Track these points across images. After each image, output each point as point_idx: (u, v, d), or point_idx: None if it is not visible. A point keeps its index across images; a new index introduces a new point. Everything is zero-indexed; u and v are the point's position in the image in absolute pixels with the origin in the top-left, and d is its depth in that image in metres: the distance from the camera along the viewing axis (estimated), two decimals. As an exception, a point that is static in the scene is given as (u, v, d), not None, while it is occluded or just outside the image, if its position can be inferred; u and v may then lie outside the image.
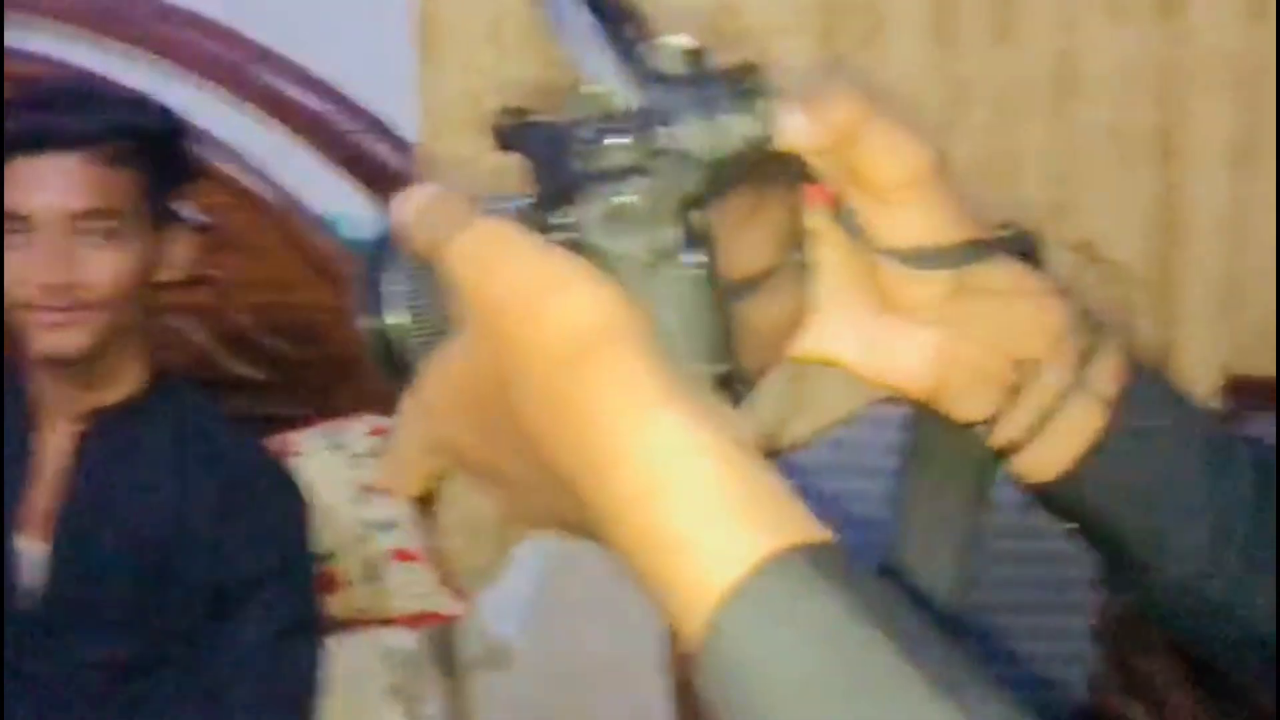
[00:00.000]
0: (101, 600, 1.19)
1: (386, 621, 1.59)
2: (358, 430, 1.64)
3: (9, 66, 1.62)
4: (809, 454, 0.40)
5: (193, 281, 1.38)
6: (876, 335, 0.40)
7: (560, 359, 0.31)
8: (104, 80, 1.55)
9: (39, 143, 1.14)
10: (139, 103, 1.23)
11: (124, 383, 1.22)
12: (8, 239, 1.16)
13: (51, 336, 1.15)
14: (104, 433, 1.21)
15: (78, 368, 1.19)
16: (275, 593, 1.20)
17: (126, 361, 1.22)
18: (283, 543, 1.24)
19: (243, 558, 1.20)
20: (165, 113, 1.24)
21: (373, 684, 1.52)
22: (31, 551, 1.20)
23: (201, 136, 1.51)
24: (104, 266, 1.15)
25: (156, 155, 1.19)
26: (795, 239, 0.38)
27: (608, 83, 0.35)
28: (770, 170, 0.37)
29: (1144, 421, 0.40)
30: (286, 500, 1.26)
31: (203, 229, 1.33)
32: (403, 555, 1.61)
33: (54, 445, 1.22)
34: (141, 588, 1.19)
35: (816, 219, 0.39)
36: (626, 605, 1.15)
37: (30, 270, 1.15)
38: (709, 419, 0.31)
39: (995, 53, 1.63)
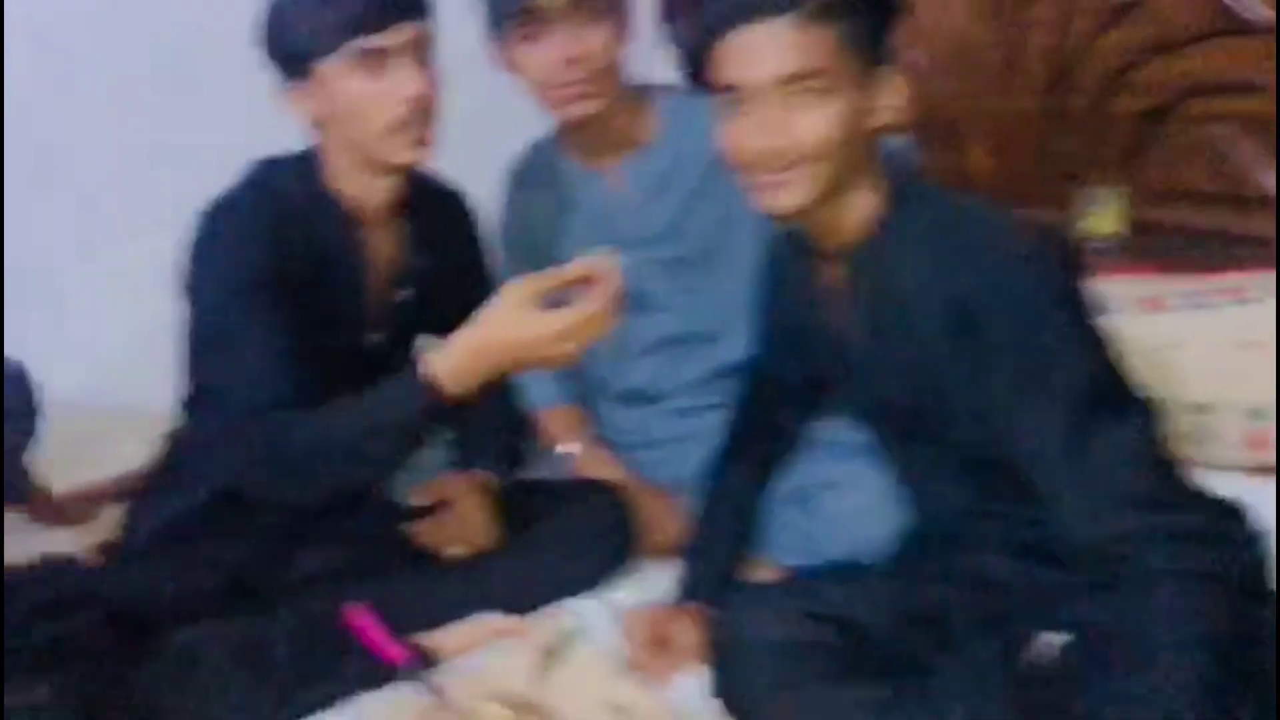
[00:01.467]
0: None
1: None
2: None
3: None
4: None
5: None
6: None
7: None
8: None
9: (747, 14, 1.18)
10: None
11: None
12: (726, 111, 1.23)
13: (770, 195, 1.22)
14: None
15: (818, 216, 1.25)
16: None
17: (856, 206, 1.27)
18: None
19: None
20: None
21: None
22: None
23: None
24: (815, 125, 1.19)
25: (858, 6, 1.20)
26: None
27: None
28: None
29: None
30: None
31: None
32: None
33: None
34: None
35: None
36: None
37: (747, 137, 1.21)
38: None
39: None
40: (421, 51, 1.47)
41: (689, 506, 1.72)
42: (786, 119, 1.18)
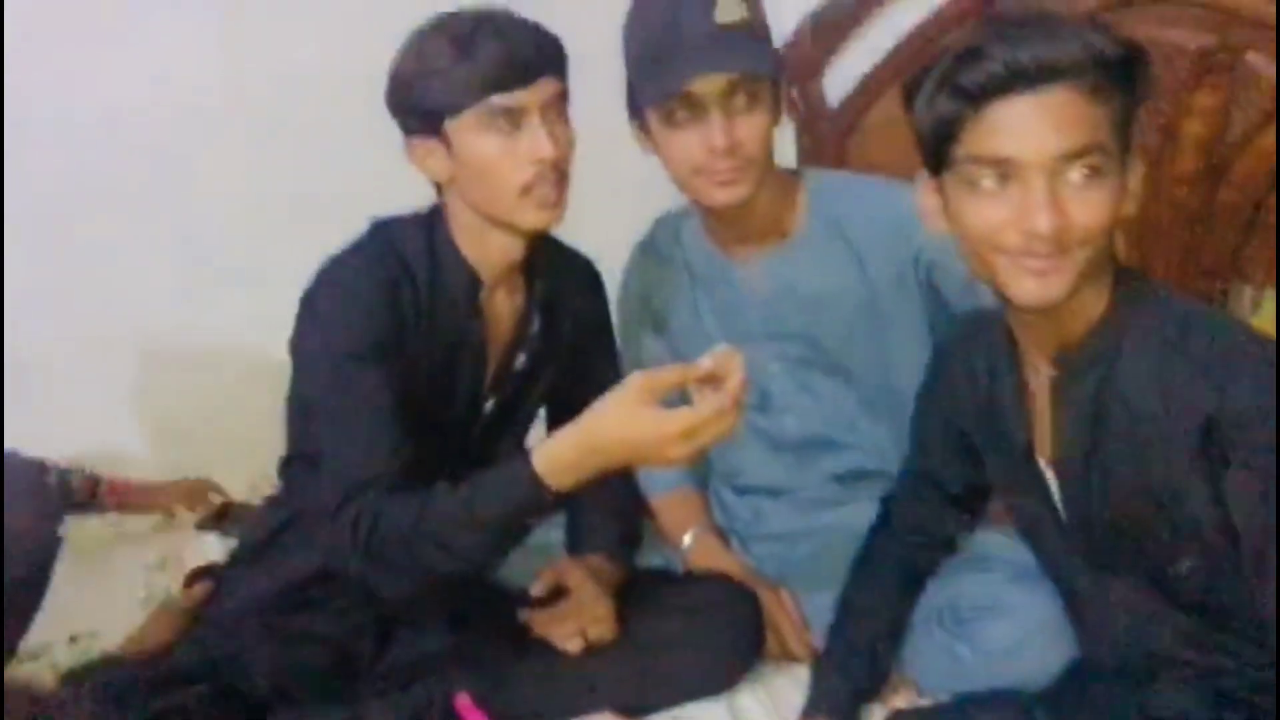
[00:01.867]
0: None
1: None
2: None
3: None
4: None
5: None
6: None
7: None
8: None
9: (1029, 80, 1.06)
10: (1101, 27, 1.12)
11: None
12: (984, 186, 1.09)
13: (1034, 283, 1.10)
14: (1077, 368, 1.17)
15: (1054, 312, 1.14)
16: None
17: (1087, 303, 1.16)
18: None
19: None
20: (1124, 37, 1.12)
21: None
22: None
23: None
24: (1089, 207, 1.07)
25: (1127, 81, 1.09)
26: None
27: None
28: None
29: None
30: None
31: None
32: None
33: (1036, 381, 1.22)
34: None
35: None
36: None
37: (1016, 217, 1.08)
38: None
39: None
40: (556, 110, 1.41)
41: (800, 604, 1.64)
42: (1064, 199, 1.06)
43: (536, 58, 1.38)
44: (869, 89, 2.42)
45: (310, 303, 1.43)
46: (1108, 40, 1.07)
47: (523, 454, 1.31)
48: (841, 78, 2.46)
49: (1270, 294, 2.03)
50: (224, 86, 2.18)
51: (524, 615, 1.55)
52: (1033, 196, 1.05)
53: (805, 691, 1.46)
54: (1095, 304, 1.14)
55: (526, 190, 1.39)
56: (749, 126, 1.50)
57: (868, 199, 1.64)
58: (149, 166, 2.16)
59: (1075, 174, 1.06)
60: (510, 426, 1.62)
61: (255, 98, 2.19)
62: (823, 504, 1.74)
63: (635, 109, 1.57)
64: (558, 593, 1.57)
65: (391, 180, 1.48)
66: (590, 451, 1.28)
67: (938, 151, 1.11)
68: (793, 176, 1.66)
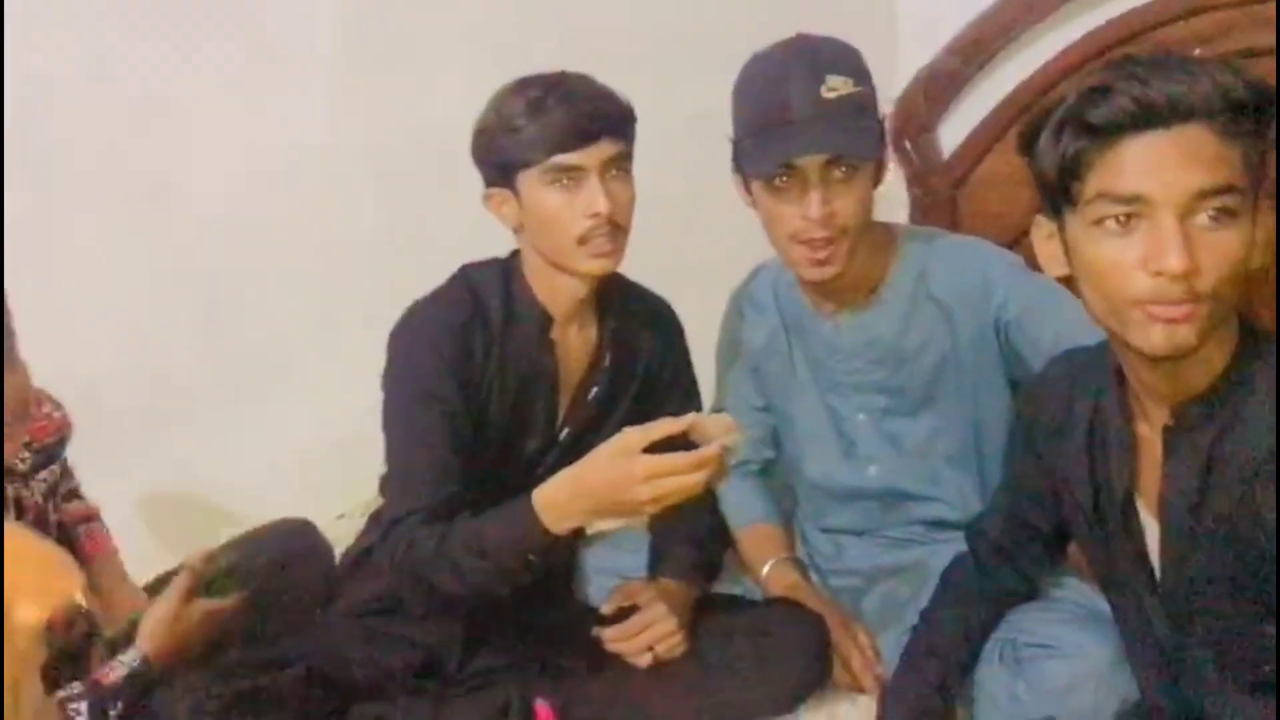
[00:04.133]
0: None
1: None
2: None
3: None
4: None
5: None
6: None
7: None
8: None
9: (1165, 116, 1.03)
10: (1232, 68, 1.07)
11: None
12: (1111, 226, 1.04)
13: (1163, 332, 1.04)
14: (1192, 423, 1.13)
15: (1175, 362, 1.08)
16: None
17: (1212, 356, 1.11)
18: None
19: None
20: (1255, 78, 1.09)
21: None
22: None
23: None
24: (1219, 251, 1.02)
25: (1258, 124, 1.05)
26: None
27: None
28: None
29: None
30: None
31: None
32: None
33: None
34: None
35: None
36: None
37: (1145, 258, 1.03)
38: None
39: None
40: (616, 169, 1.54)
41: (873, 641, 1.66)
42: (1194, 241, 1.01)
43: (598, 121, 1.52)
44: (980, 142, 2.45)
45: (392, 341, 1.60)
46: (1239, 80, 1.03)
47: (527, 494, 1.44)
48: (953, 131, 2.50)
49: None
50: (346, 144, 2.33)
51: (597, 631, 1.63)
52: (1163, 236, 1.01)
53: (869, 720, 1.49)
54: (1218, 355, 1.09)
55: (583, 241, 1.53)
56: (845, 199, 1.55)
57: (953, 257, 1.67)
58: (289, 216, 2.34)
59: (1205, 216, 1.01)
60: None
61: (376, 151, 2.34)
62: (905, 544, 1.76)
63: (739, 165, 1.64)
64: (630, 611, 1.65)
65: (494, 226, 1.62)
66: (577, 494, 1.41)
67: (1061, 191, 1.08)
68: (886, 233, 1.70)
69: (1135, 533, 1.20)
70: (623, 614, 1.65)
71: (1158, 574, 1.19)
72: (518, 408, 1.62)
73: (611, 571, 1.80)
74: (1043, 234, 1.14)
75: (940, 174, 2.50)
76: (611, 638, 1.61)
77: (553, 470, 1.65)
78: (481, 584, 1.47)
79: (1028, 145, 1.12)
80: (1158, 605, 1.20)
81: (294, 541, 1.76)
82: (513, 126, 1.52)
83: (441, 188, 1.95)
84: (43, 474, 1.60)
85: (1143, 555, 1.20)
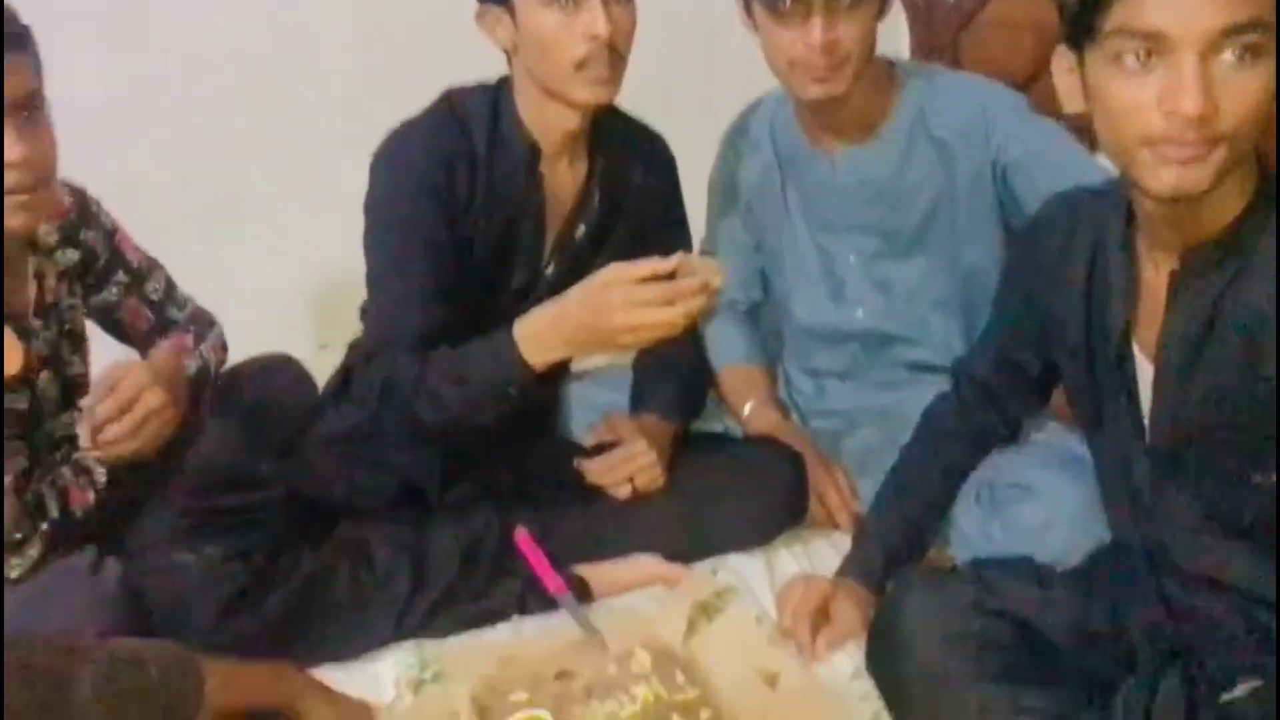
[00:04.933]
0: None
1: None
2: None
3: None
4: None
5: None
6: None
7: None
8: None
9: None
10: None
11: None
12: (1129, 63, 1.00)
13: (1174, 173, 1.00)
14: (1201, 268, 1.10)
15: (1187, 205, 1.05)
16: None
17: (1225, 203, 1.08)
18: None
19: None
20: None
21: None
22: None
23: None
24: (1242, 92, 0.98)
25: None
26: None
27: None
28: None
29: None
30: None
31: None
32: None
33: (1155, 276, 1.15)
34: None
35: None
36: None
37: (1161, 98, 0.99)
38: None
39: None
40: None
41: (851, 481, 1.68)
42: (1215, 83, 0.97)
43: None
44: (987, -16, 2.37)
45: (374, 166, 1.54)
46: None
47: (509, 325, 1.42)
48: (959, -30, 2.41)
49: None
50: None
51: (578, 463, 1.63)
52: (1181, 76, 0.97)
53: (843, 557, 1.51)
54: (1234, 201, 1.06)
55: (580, 66, 1.45)
56: (850, 26, 1.50)
57: (954, 95, 1.63)
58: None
59: (1229, 54, 0.97)
60: None
61: None
62: (887, 387, 1.77)
63: None
64: (612, 445, 1.65)
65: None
66: (556, 324, 1.39)
67: (1082, 24, 1.03)
68: (888, 70, 1.65)
69: (1128, 375, 1.19)
70: (604, 447, 1.65)
71: (1146, 418, 1.19)
72: (503, 241, 1.58)
73: (595, 407, 1.80)
74: (1063, 66, 1.09)
75: (945, 15, 2.43)
76: (592, 470, 1.62)
77: (540, 304, 1.65)
78: (461, 413, 1.45)
79: None
80: (1141, 449, 1.20)
81: (276, 376, 1.74)
82: None
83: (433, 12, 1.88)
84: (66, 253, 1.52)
85: (1132, 398, 1.20)
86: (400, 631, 1.46)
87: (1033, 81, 2.17)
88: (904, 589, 1.26)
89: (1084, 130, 1.32)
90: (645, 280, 1.33)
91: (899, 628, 1.21)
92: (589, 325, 1.36)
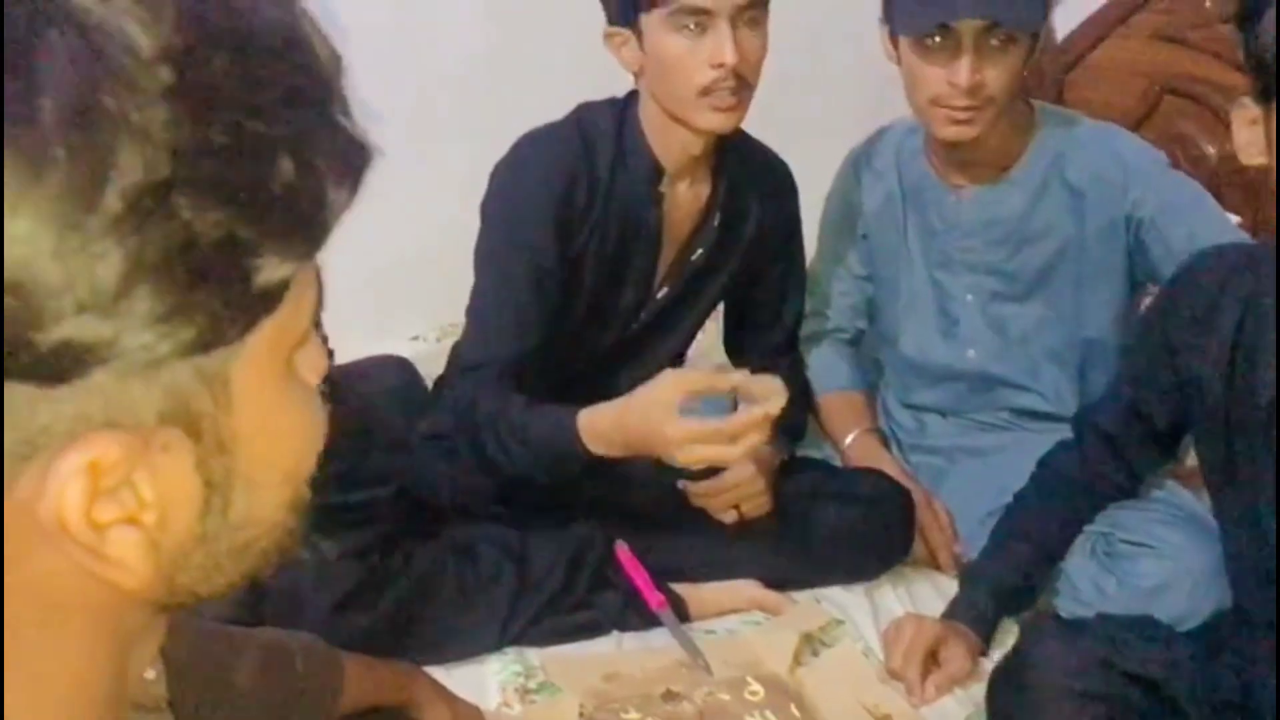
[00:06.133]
0: None
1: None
2: None
3: None
4: None
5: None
6: None
7: None
8: None
9: None
10: None
11: None
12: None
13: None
14: None
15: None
16: None
17: None
18: None
19: None
20: None
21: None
22: None
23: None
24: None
25: None
26: None
27: None
28: None
29: None
30: None
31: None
32: None
33: None
34: None
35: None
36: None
37: None
38: None
39: None
40: (750, 18, 1.43)
41: (952, 519, 1.67)
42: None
43: None
44: (1096, 27, 2.35)
45: (495, 175, 1.53)
46: None
47: (574, 408, 1.41)
48: (1069, 13, 2.39)
49: None
50: None
51: (683, 485, 1.63)
52: None
53: (944, 598, 1.51)
54: None
55: (705, 92, 1.43)
56: (998, 68, 1.49)
57: (1094, 144, 1.61)
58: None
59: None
60: (681, 319, 1.69)
61: None
62: (989, 429, 1.76)
63: (889, 16, 1.57)
64: (715, 469, 1.64)
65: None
66: (618, 428, 1.37)
67: (1275, 79, 1.02)
68: (1027, 110, 1.64)
69: (1272, 444, 1.17)
70: (709, 470, 1.65)
71: None
72: (617, 260, 1.57)
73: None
74: (1246, 117, 1.09)
75: (1053, 55, 2.41)
76: (698, 493, 1.61)
77: (649, 326, 1.65)
78: (524, 469, 1.46)
79: (1245, 20, 1.06)
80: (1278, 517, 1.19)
81: (388, 374, 1.74)
82: None
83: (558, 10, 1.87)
84: None
85: (1272, 464, 1.18)
86: (504, 637, 1.46)
87: (1138, 127, 2.17)
88: (1036, 638, 1.25)
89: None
90: (700, 392, 1.33)
91: (1029, 679, 1.20)
92: (645, 443, 1.35)
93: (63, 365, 0.38)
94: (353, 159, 0.43)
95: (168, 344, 0.39)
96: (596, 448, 1.39)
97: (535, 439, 1.43)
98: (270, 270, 0.41)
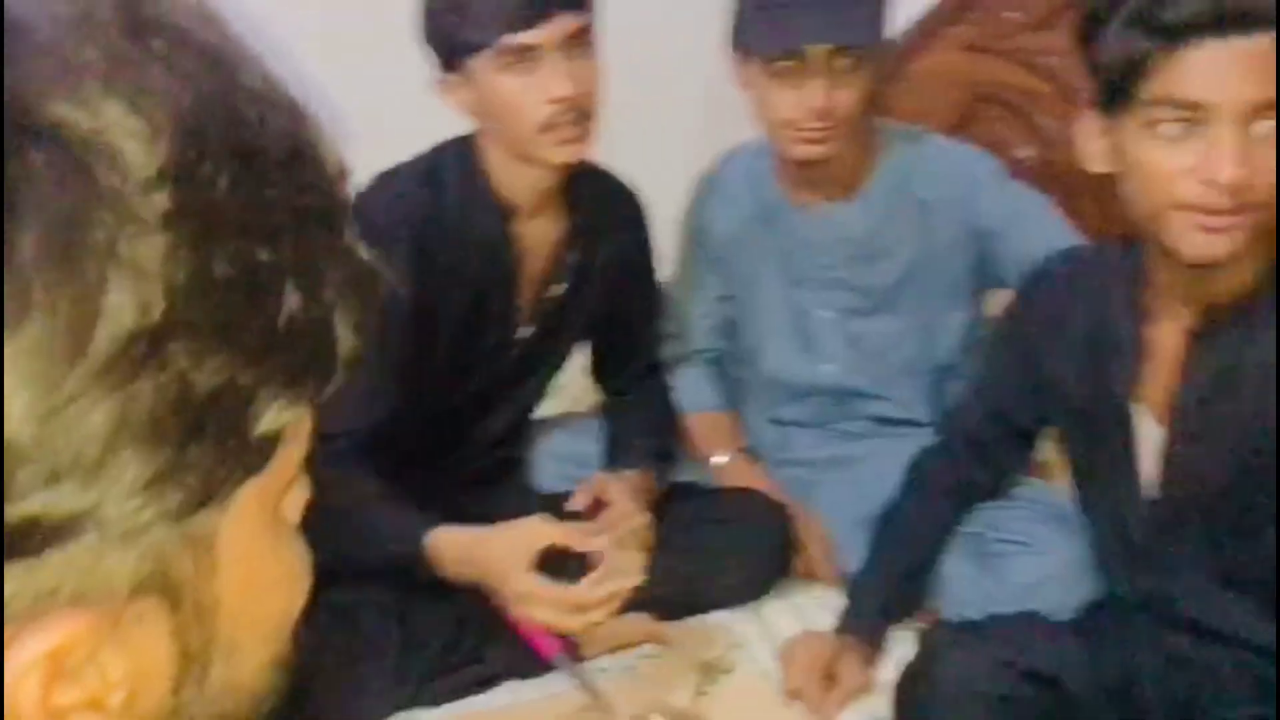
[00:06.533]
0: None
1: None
2: None
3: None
4: None
5: None
6: None
7: None
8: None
9: (1226, 26, 1.01)
10: None
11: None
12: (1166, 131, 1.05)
13: (1203, 239, 1.06)
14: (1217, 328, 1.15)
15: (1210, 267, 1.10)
16: None
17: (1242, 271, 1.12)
18: None
19: None
20: None
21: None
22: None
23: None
24: (1273, 163, 1.04)
25: None
26: None
27: None
28: None
29: None
30: None
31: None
32: None
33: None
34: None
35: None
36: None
37: (1197, 166, 1.03)
38: None
39: None
40: (578, 46, 1.42)
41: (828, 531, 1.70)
42: (1250, 153, 1.02)
43: None
44: (914, 38, 2.44)
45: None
46: None
47: (430, 519, 1.40)
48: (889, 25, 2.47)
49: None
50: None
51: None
52: (1219, 145, 1.02)
53: (830, 610, 1.53)
54: (1252, 262, 1.11)
55: (546, 128, 1.41)
56: (849, 89, 1.52)
57: (941, 160, 1.67)
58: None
59: (1263, 127, 1.02)
60: (549, 356, 1.67)
61: None
62: (852, 438, 1.79)
63: (738, 40, 1.57)
64: (597, 506, 1.62)
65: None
66: (468, 561, 1.37)
67: (1119, 91, 1.07)
68: (875, 129, 1.68)
69: (1129, 436, 1.23)
70: (589, 510, 1.62)
71: (1142, 476, 1.23)
72: (475, 303, 1.54)
73: (564, 456, 1.77)
74: (1090, 129, 1.13)
75: (874, 67, 2.49)
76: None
77: (520, 364, 1.61)
78: (359, 557, 1.38)
79: (1086, 35, 1.10)
80: (1141, 504, 1.24)
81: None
82: (457, 4, 1.38)
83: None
84: None
85: (1131, 458, 1.24)
86: (396, 701, 1.40)
87: (956, 134, 2.26)
88: (940, 646, 1.27)
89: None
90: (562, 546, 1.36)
91: (937, 688, 1.23)
92: (490, 580, 1.36)
93: (31, 541, 0.33)
94: (363, 287, 0.39)
95: (152, 510, 0.34)
96: (441, 568, 1.38)
97: (375, 536, 1.41)
98: (271, 418, 0.36)
